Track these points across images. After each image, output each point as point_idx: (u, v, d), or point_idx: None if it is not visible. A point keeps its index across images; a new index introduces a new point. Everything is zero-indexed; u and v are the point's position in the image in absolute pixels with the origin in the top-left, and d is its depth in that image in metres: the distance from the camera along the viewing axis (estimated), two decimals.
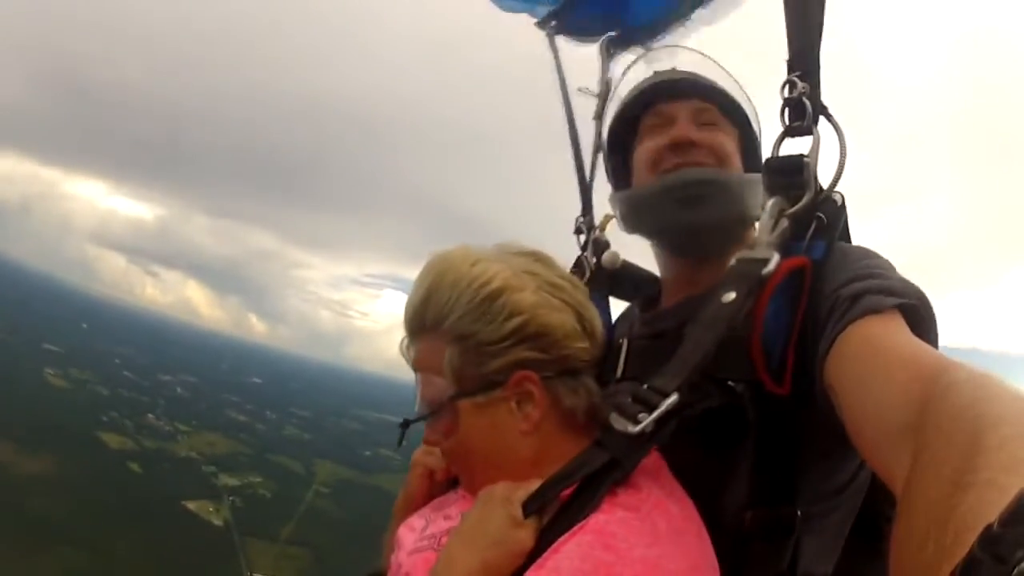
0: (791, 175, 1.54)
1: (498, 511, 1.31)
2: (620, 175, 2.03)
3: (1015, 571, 0.48)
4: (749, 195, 1.75)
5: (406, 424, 1.54)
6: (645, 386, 1.37)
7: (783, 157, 1.58)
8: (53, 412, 77.65)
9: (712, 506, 1.43)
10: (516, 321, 1.43)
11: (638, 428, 1.29)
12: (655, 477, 1.40)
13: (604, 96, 2.43)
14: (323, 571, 62.80)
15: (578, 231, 2.32)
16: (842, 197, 1.56)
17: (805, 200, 1.51)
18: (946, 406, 0.97)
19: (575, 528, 1.24)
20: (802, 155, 1.54)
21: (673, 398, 1.30)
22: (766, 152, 1.67)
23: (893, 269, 1.48)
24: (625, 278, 2.11)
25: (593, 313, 1.57)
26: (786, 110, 1.59)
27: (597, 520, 1.25)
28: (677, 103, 1.83)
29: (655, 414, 1.29)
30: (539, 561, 1.22)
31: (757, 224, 1.69)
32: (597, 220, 2.36)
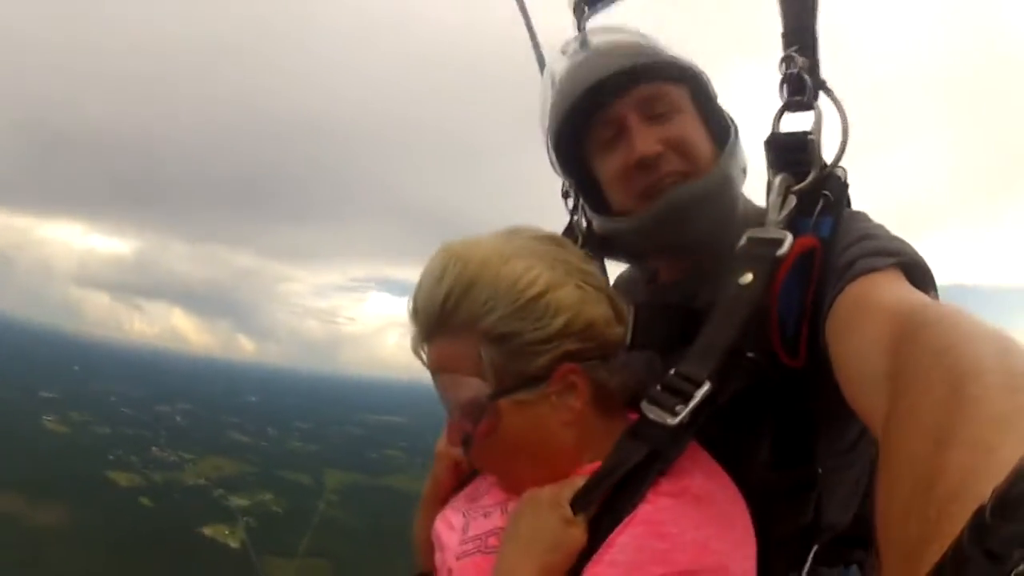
0: (795, 152, 1.58)
1: (550, 515, 1.31)
2: (588, 191, 1.89)
3: (1012, 574, 0.42)
4: (732, 182, 1.74)
5: (468, 441, 1.51)
6: (673, 372, 1.40)
7: (787, 134, 1.62)
8: (58, 459, 77.73)
9: (737, 471, 1.47)
10: (562, 319, 1.43)
11: (676, 420, 1.31)
12: (693, 459, 1.41)
13: None
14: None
15: (566, 195, 2.21)
16: (845, 172, 1.58)
17: (811, 177, 1.55)
18: (919, 350, 0.96)
19: (625, 521, 1.27)
20: (806, 132, 1.57)
21: (707, 387, 1.32)
22: (748, 117, 1.78)
23: (886, 230, 1.51)
24: (617, 241, 1.97)
25: (619, 296, 1.61)
26: (784, 85, 1.60)
27: (645, 510, 1.27)
28: (618, 102, 1.69)
29: (691, 405, 1.31)
30: (595, 557, 1.25)
31: (745, 197, 1.81)
32: None
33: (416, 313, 1.51)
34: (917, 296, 1.28)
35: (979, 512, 0.46)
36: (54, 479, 69.86)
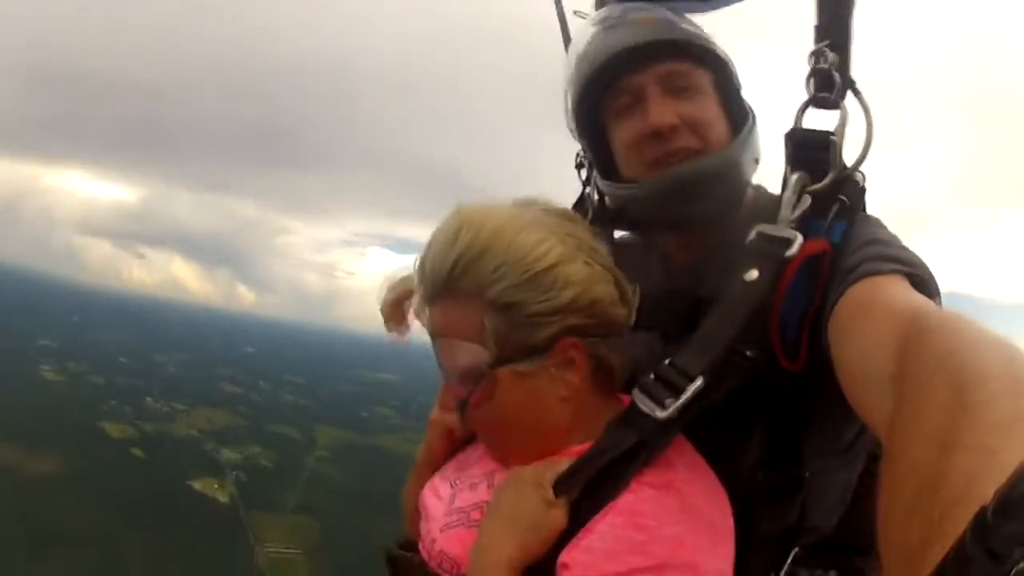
0: (816, 151, 1.54)
1: (532, 495, 1.32)
2: (600, 157, 1.87)
3: (1013, 572, 0.44)
4: (741, 168, 1.73)
5: (463, 406, 1.51)
6: (668, 362, 1.38)
7: (808, 131, 1.59)
8: (54, 408, 78.95)
9: (725, 467, 1.46)
10: (569, 294, 1.42)
11: (665, 414, 1.30)
12: (679, 451, 1.41)
13: None
14: (331, 537, 63.85)
15: (579, 165, 2.12)
16: (864, 177, 1.55)
17: (829, 179, 1.51)
18: (923, 355, 0.96)
19: (606, 508, 1.27)
20: (829, 132, 1.53)
21: (699, 383, 1.31)
22: (767, 108, 1.75)
23: (897, 238, 1.49)
24: (629, 215, 1.90)
25: (625, 278, 1.58)
26: (811, 79, 1.56)
27: (627, 499, 1.28)
28: (641, 73, 1.68)
29: (682, 400, 1.30)
30: (573, 541, 1.27)
31: (762, 188, 1.81)
32: None
33: (423, 275, 1.51)
34: (921, 300, 1.27)
35: (981, 512, 0.47)
36: (50, 429, 70.98)
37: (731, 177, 1.71)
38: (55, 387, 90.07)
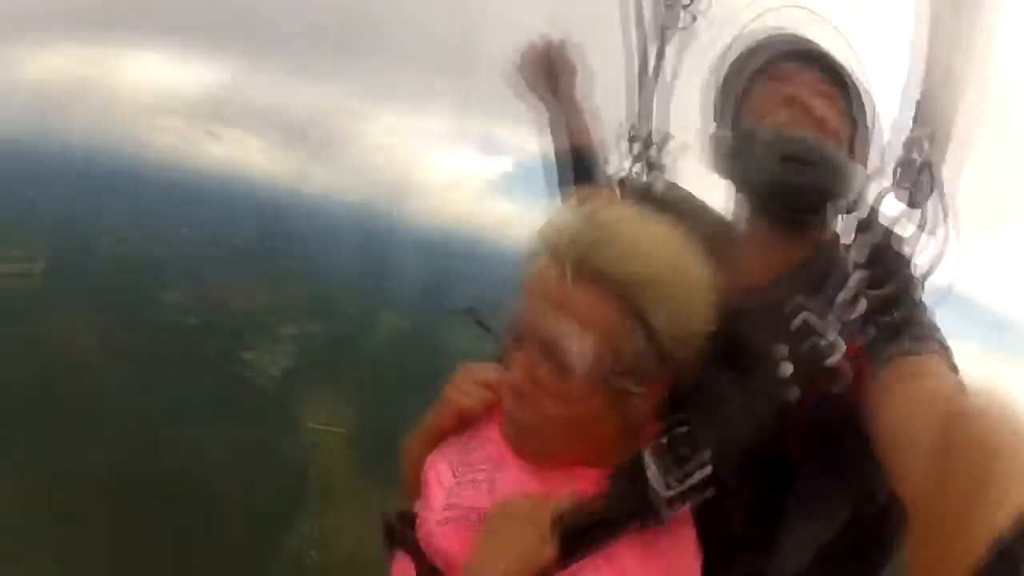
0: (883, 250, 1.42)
1: (528, 530, 1.38)
2: (725, 116, 1.87)
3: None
4: (848, 179, 1.69)
5: (535, 384, 1.46)
6: (686, 430, 1.42)
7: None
8: (111, 279, 79.97)
9: (706, 518, 1.50)
10: (698, 359, 1.49)
11: (671, 494, 1.37)
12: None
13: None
14: (380, 420, 63.30)
15: (631, 139, 2.09)
16: (923, 289, 1.42)
17: (891, 290, 1.39)
18: (961, 437, 1.01)
19: (596, 554, 1.36)
20: (902, 237, 1.39)
21: (708, 471, 1.38)
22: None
23: (926, 313, 1.48)
24: (737, 172, 1.85)
25: None
26: (899, 168, 1.39)
27: (615, 550, 1.36)
28: (801, 68, 1.73)
29: (688, 484, 1.38)
30: None
31: (840, 218, 1.75)
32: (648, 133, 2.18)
33: (596, 251, 1.42)
34: (961, 383, 1.34)
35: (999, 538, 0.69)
36: (106, 299, 71.57)
37: (836, 176, 1.69)
38: (116, 261, 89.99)
